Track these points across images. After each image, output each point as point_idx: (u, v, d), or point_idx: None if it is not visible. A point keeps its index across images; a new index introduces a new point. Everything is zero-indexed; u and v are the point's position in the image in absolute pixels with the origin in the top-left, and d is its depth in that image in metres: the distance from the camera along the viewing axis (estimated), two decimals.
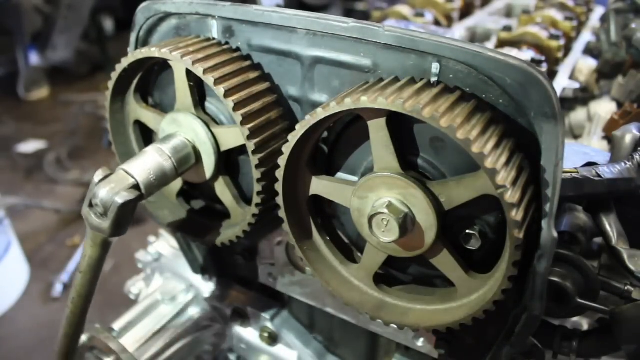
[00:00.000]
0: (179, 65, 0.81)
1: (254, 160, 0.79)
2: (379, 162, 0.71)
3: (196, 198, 1.02)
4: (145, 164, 0.79)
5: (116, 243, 0.78)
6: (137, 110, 0.94)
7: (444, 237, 0.72)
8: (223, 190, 0.91)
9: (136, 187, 0.77)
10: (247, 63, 0.83)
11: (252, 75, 0.81)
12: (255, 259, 1.07)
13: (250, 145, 0.78)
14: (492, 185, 0.60)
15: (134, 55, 0.82)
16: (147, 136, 0.99)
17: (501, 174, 0.59)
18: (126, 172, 0.77)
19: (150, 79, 0.94)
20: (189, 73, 0.83)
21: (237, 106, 0.77)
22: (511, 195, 0.59)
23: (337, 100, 0.67)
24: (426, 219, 0.69)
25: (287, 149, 0.73)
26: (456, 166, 0.70)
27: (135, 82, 0.92)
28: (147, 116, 0.93)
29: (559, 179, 0.62)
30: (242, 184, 0.93)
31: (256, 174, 0.80)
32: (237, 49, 0.84)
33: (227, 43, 0.85)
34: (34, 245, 3.15)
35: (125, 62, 0.85)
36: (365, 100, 0.63)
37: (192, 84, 0.84)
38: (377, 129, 0.68)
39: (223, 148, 0.86)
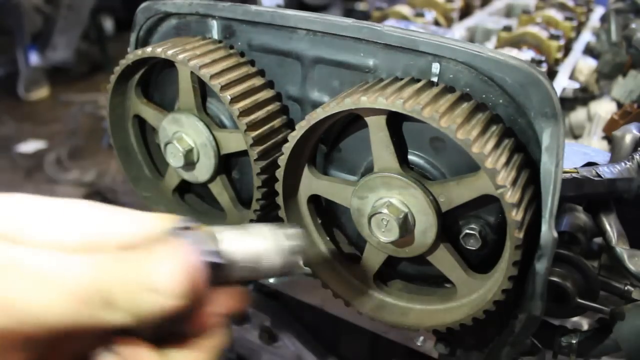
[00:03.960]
0: (184, 68, 0.81)
1: (256, 168, 0.79)
2: (378, 162, 0.70)
3: (192, 195, 1.02)
4: None
5: None
6: (138, 105, 0.94)
7: (444, 237, 0.71)
8: (220, 191, 0.91)
9: None
10: (254, 69, 0.83)
11: (258, 82, 0.82)
12: None
13: (253, 154, 0.78)
14: (492, 185, 0.60)
15: (138, 53, 0.82)
16: (144, 130, 0.99)
17: (501, 174, 0.59)
18: None
19: (152, 75, 0.94)
20: (193, 75, 0.83)
21: (242, 114, 0.77)
22: (511, 195, 0.59)
23: (337, 100, 0.67)
24: (426, 219, 0.68)
25: (287, 149, 0.73)
26: (456, 166, 0.70)
27: (137, 77, 0.92)
28: (147, 112, 0.93)
29: (559, 179, 0.62)
30: (240, 185, 0.93)
31: (257, 181, 0.81)
32: (242, 53, 0.84)
33: (231, 46, 0.85)
34: None
35: (129, 59, 0.85)
36: (365, 100, 0.63)
37: (196, 85, 0.84)
38: (377, 129, 0.68)
39: (223, 151, 0.86)
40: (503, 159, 0.61)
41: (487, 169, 0.59)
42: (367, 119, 0.69)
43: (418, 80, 0.69)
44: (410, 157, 0.72)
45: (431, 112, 0.60)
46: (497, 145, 0.62)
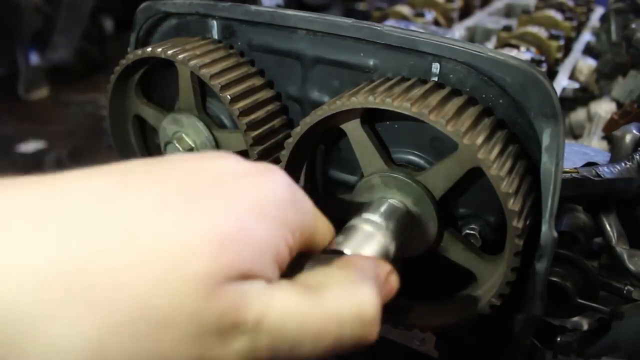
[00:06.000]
0: (184, 68, 0.81)
1: None
2: (369, 165, 0.70)
3: None
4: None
5: None
6: (138, 105, 0.94)
7: (446, 225, 0.70)
8: None
9: None
10: (254, 69, 0.83)
11: (258, 82, 0.82)
12: None
13: (253, 154, 0.79)
14: (474, 158, 0.59)
15: (138, 53, 0.82)
16: (144, 130, 0.99)
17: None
18: None
19: (152, 75, 0.94)
20: (193, 75, 0.83)
21: (242, 114, 0.77)
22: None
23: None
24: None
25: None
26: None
27: (137, 77, 0.92)
28: (147, 112, 0.93)
29: (559, 179, 0.62)
30: None
31: None
32: (242, 53, 0.84)
33: (231, 46, 0.85)
34: None
35: (129, 59, 0.85)
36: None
37: (196, 86, 0.84)
38: (355, 132, 0.68)
39: None
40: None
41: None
42: (344, 126, 0.69)
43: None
44: (401, 154, 0.72)
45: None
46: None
